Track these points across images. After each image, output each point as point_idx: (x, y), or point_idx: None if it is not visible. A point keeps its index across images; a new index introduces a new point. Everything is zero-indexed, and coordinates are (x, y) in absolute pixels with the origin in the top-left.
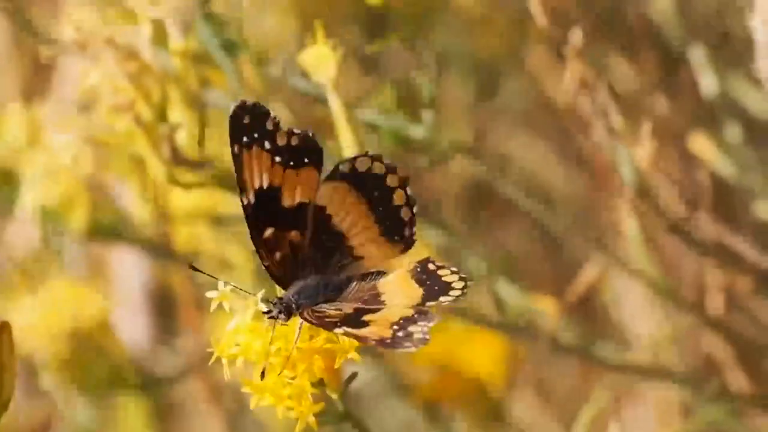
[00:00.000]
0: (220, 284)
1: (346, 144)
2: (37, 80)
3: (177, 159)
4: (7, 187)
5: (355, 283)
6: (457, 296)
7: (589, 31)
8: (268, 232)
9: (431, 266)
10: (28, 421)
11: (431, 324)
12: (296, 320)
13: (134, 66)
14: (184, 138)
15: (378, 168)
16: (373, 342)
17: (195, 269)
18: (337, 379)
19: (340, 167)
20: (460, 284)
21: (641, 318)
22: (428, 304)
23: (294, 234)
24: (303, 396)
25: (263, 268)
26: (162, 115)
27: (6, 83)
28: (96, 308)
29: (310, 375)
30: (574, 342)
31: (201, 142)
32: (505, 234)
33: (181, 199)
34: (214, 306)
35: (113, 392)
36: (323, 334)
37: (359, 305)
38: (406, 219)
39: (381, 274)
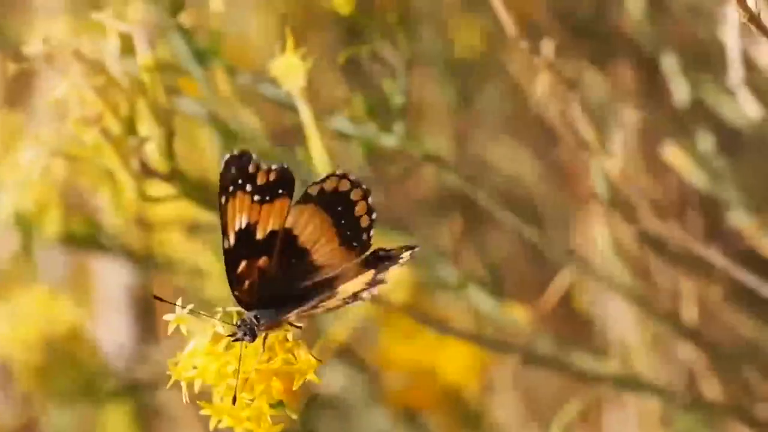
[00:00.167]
0: (178, 308)
1: (316, 152)
2: (14, 87)
3: (146, 172)
4: None
5: (314, 290)
6: (405, 261)
7: (562, 41)
8: (242, 265)
9: (381, 253)
10: (6, 427)
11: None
12: (258, 341)
13: (101, 79)
14: (153, 151)
15: (343, 185)
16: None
17: (159, 299)
18: (296, 400)
19: (308, 191)
20: (408, 254)
21: (616, 326)
22: (380, 276)
23: (263, 260)
24: (262, 418)
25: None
26: (131, 128)
27: None
28: (71, 315)
29: (269, 397)
30: (550, 351)
31: (170, 154)
32: (481, 243)
33: (154, 208)
34: (171, 329)
35: (89, 399)
36: (281, 355)
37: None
38: (365, 226)
39: (338, 276)
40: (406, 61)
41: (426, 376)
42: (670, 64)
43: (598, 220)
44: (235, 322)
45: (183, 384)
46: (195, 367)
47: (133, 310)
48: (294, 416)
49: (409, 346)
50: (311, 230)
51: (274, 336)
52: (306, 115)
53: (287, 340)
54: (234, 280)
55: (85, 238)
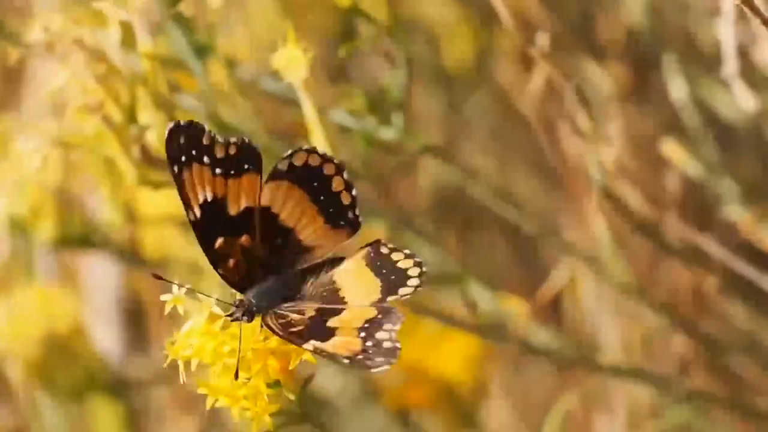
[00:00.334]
0: (174, 287)
1: (318, 144)
2: (6, 89)
3: (147, 159)
4: None
5: (310, 276)
6: (415, 286)
7: (560, 36)
8: (219, 241)
9: (384, 249)
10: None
11: (397, 327)
12: (256, 320)
13: (103, 67)
14: (154, 139)
15: (313, 159)
16: (346, 361)
17: (158, 278)
18: (293, 380)
19: (278, 166)
20: (416, 271)
21: (611, 319)
22: (389, 299)
23: (244, 239)
24: (258, 397)
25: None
26: (131, 116)
27: None
28: (65, 315)
29: (265, 376)
30: (545, 344)
31: None
32: (477, 237)
33: (150, 202)
34: (168, 309)
35: (83, 398)
36: None
37: (320, 305)
38: (347, 203)
39: (334, 261)
40: (407, 60)
41: (421, 375)
42: (667, 59)
43: (594, 213)
44: (233, 302)
45: (180, 363)
46: (191, 347)
47: (125, 309)
48: (291, 396)
49: (405, 344)
50: (291, 208)
51: None
52: (308, 106)
53: None
54: (213, 257)
55: (80, 239)
